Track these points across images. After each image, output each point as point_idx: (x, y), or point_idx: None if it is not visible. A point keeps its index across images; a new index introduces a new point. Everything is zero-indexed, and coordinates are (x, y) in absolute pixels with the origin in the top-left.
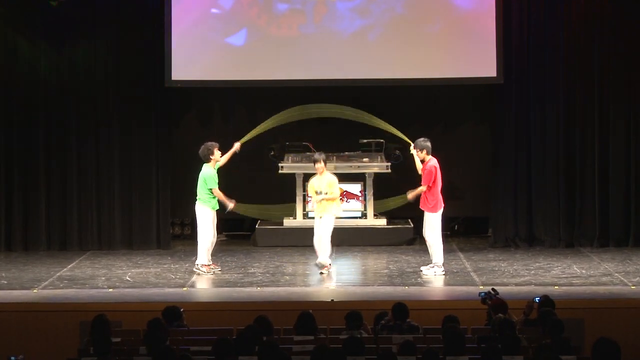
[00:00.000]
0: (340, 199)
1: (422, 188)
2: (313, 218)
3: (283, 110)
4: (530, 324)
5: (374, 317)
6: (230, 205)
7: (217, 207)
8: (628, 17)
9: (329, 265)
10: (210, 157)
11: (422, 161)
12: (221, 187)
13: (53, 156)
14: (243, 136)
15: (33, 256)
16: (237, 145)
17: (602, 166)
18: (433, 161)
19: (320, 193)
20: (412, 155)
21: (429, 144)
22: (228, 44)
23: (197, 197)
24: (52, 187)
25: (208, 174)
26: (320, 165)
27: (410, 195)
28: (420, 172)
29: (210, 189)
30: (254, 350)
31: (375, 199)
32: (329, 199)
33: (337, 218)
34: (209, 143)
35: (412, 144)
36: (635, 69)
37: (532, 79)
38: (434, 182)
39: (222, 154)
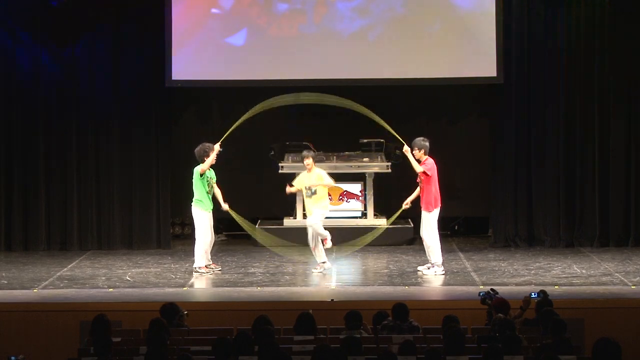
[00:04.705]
0: (340, 198)
1: (419, 170)
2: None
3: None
4: (530, 324)
5: (373, 317)
6: (225, 206)
7: (212, 207)
8: (628, 16)
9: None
10: (206, 158)
11: (419, 161)
12: (221, 187)
13: (53, 156)
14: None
15: (33, 256)
16: (216, 147)
17: (602, 166)
18: (430, 161)
19: (310, 189)
20: (409, 154)
21: (427, 143)
22: (228, 44)
23: (193, 199)
24: (52, 187)
25: (197, 168)
26: (309, 162)
27: (407, 202)
28: (415, 169)
29: (204, 176)
30: (253, 351)
31: (375, 199)
32: (326, 185)
33: (335, 218)
34: (206, 144)
35: (405, 145)
36: (636, 69)
37: (532, 79)
38: (432, 181)
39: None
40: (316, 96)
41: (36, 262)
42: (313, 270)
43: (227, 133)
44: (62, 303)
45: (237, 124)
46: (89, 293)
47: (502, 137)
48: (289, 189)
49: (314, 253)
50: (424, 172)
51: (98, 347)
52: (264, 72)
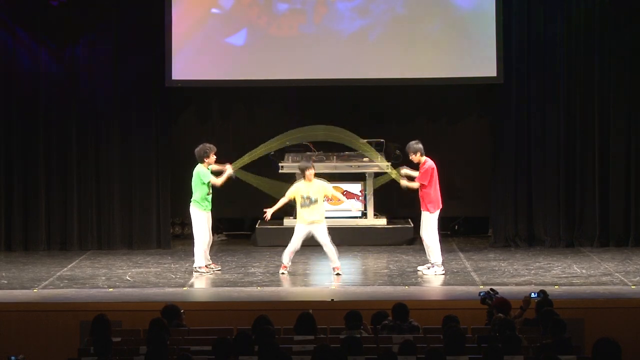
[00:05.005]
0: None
1: (416, 185)
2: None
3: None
4: (530, 324)
5: (372, 317)
6: (230, 171)
7: (210, 208)
8: (628, 16)
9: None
10: (205, 159)
11: (418, 163)
12: (221, 187)
13: (53, 156)
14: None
15: (33, 256)
16: (230, 171)
17: (602, 166)
18: (430, 162)
19: (309, 198)
20: (408, 170)
21: (420, 145)
22: (228, 44)
23: (192, 199)
24: (52, 187)
25: (202, 170)
26: (312, 172)
27: (404, 182)
28: (413, 188)
29: (209, 183)
30: (253, 351)
31: (375, 199)
32: (335, 195)
33: (335, 218)
34: (207, 145)
35: (401, 168)
36: (636, 69)
37: (532, 79)
38: (431, 182)
39: (217, 161)
40: (324, 129)
41: (36, 262)
42: (282, 271)
43: (243, 160)
44: (62, 303)
45: (252, 156)
46: (89, 293)
47: (502, 137)
48: (268, 214)
49: (287, 252)
50: (423, 173)
51: (98, 347)
52: (264, 72)
